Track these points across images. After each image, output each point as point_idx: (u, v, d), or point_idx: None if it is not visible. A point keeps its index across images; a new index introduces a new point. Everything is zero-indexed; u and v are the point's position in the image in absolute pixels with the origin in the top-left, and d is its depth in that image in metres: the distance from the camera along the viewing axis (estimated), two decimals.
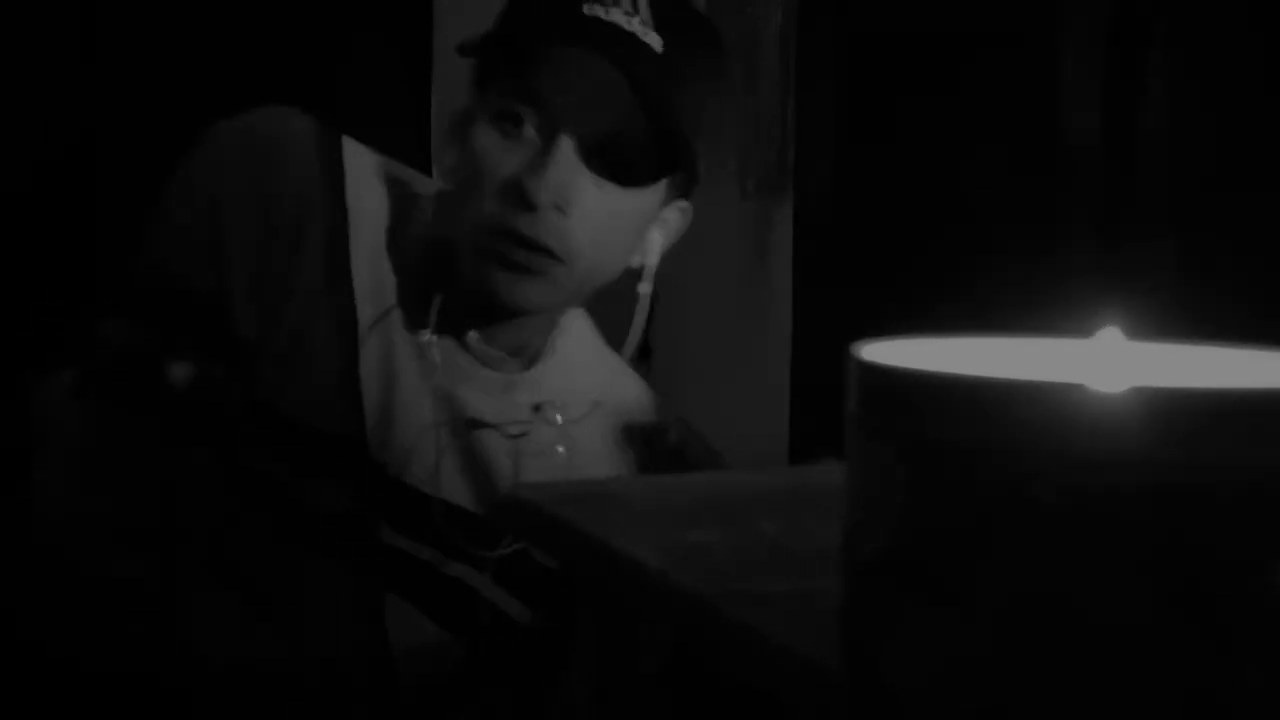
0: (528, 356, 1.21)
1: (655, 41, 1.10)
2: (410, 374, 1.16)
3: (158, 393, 1.11)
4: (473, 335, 1.17)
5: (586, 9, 1.10)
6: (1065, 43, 1.49)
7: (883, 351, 0.47)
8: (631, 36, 1.10)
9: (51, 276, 1.20)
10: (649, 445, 1.24)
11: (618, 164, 1.11)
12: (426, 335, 1.15)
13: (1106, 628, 0.41)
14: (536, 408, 1.20)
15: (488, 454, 1.18)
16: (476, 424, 1.18)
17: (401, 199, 1.18)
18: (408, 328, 1.16)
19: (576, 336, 1.26)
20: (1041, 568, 0.42)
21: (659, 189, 1.15)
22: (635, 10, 1.11)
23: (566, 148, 1.09)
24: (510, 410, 1.19)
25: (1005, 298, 1.43)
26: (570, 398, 1.22)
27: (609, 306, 1.30)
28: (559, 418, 1.20)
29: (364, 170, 1.17)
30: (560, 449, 1.19)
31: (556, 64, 1.09)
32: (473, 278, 1.11)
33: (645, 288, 1.23)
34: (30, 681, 1.11)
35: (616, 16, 1.10)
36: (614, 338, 1.27)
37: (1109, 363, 0.50)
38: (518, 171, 1.09)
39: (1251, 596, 0.42)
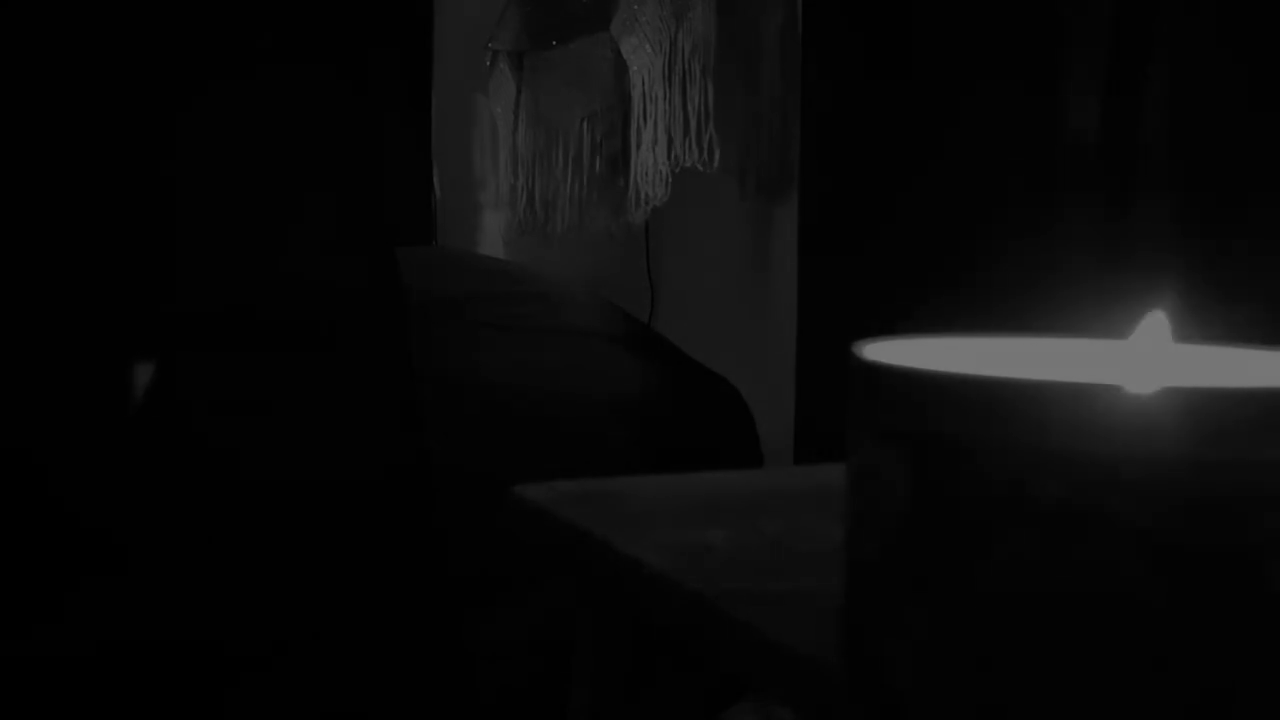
0: None
1: None
2: None
3: None
4: None
5: None
6: (1066, 44, 1.49)
7: (884, 351, 0.47)
8: None
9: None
10: None
11: None
12: None
13: (1108, 628, 0.41)
14: None
15: None
16: None
17: None
18: None
19: None
20: (1043, 568, 0.42)
21: None
22: None
23: None
24: None
25: (1008, 297, 1.43)
26: None
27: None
28: None
29: None
30: None
31: None
32: None
33: None
34: None
35: None
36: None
37: (1111, 362, 0.50)
38: None
39: (1258, 598, 0.42)
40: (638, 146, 2.13)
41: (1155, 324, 0.49)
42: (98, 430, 1.14)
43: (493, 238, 2.46)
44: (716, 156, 2.09)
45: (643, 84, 2.12)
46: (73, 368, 1.14)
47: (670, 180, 2.12)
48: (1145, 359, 0.49)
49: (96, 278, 1.15)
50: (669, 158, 2.11)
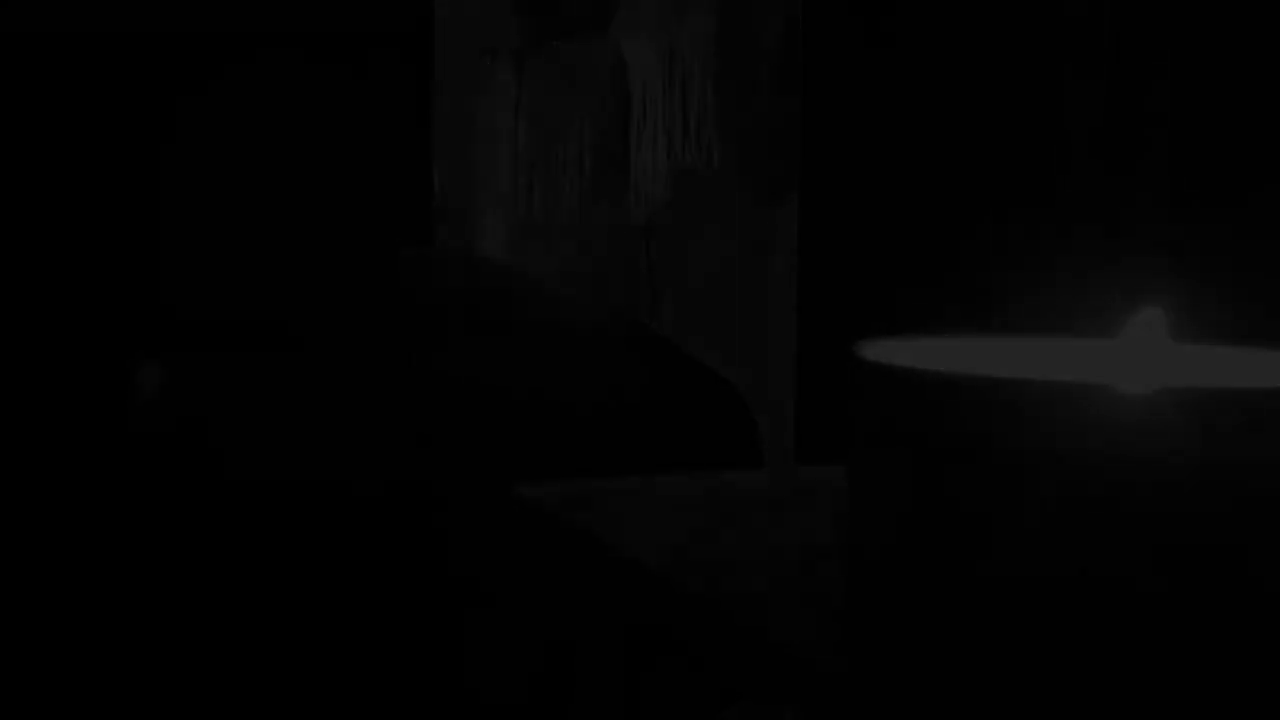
0: None
1: None
2: None
3: None
4: None
5: None
6: (1067, 44, 1.49)
7: (885, 351, 0.47)
8: None
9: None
10: None
11: None
12: None
13: (1107, 628, 0.41)
14: None
15: None
16: None
17: None
18: None
19: None
20: (1045, 569, 0.42)
21: None
22: None
23: None
24: None
25: (1008, 297, 1.43)
26: None
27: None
28: None
29: None
30: None
31: None
32: None
33: None
34: None
35: None
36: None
37: (1111, 362, 0.50)
38: None
39: (1256, 599, 0.42)
40: (638, 146, 2.13)
41: (1151, 321, 0.49)
42: (97, 431, 1.14)
43: (493, 238, 2.46)
44: (716, 156, 2.09)
45: (643, 84, 2.12)
46: (72, 369, 1.14)
47: (670, 180, 2.12)
48: (1144, 359, 0.49)
49: (95, 278, 1.15)
50: (669, 158, 2.11)
